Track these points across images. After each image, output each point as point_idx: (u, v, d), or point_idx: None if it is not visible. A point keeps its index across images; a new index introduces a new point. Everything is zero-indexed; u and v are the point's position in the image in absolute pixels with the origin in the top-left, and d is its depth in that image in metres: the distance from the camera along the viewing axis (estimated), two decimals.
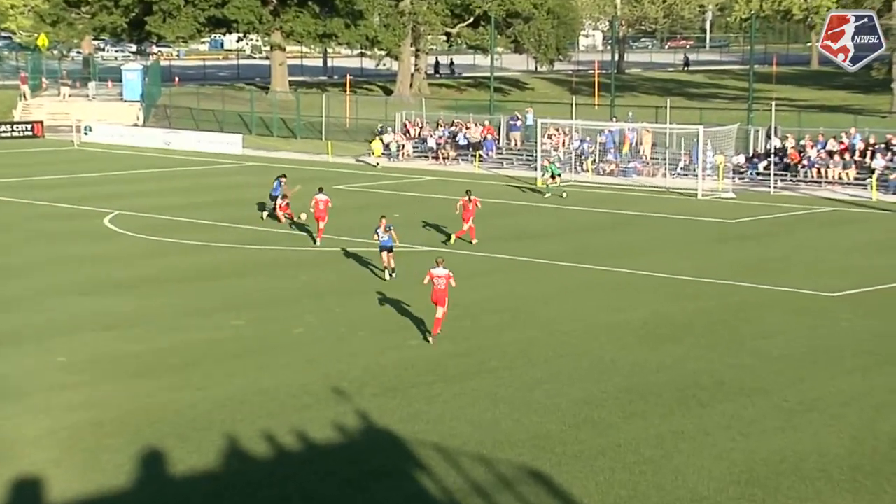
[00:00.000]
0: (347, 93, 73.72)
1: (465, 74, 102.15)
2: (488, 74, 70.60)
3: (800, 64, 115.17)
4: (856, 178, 46.25)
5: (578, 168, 51.02)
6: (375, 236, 29.61)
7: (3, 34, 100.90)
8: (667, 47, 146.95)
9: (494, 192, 44.45)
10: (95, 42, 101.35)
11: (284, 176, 38.89)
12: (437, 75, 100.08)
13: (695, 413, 19.26)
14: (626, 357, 22.51)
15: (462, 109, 63.46)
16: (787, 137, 49.31)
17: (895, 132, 48.55)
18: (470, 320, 24.64)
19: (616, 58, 79.80)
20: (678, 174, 49.37)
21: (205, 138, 64.06)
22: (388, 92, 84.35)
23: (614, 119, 55.39)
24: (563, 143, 52.34)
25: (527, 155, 54.21)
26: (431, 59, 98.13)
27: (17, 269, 31.21)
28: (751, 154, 49.85)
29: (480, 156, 54.75)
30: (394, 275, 29.49)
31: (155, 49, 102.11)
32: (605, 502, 15.84)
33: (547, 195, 45.04)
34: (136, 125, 70.45)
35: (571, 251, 33.35)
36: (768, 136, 49.54)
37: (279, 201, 37.97)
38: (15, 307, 26.86)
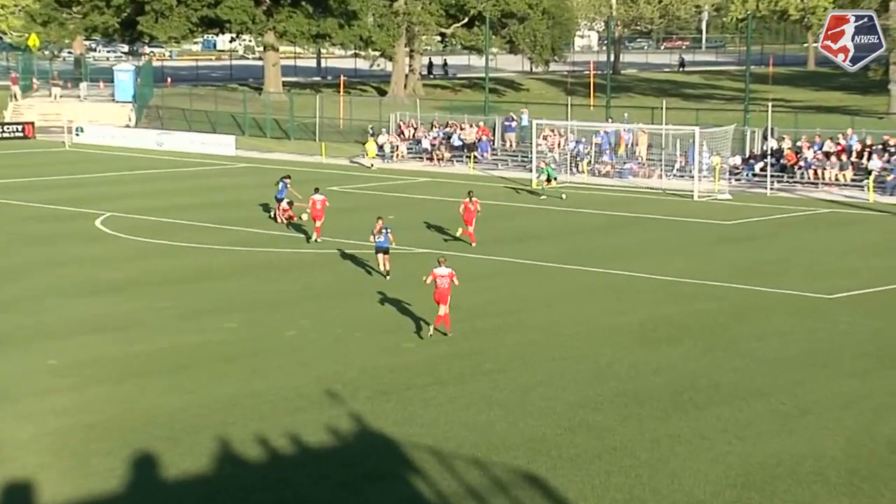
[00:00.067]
0: (341, 94, 73.69)
1: (459, 75, 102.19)
2: (483, 75, 70.62)
3: (796, 64, 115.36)
4: (853, 180, 46.29)
5: (574, 169, 51.03)
6: (372, 238, 29.64)
7: None
8: (663, 48, 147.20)
9: (490, 193, 44.41)
10: (87, 42, 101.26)
11: (289, 177, 38.83)
12: (431, 76, 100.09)
13: (691, 416, 19.25)
14: (623, 360, 22.49)
15: (457, 110, 63.48)
16: (783, 138, 49.36)
17: (892, 133, 48.62)
18: (465, 323, 24.61)
19: (612, 58, 79.82)
20: (674, 175, 49.40)
21: (197, 139, 64.02)
22: (383, 93, 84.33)
23: (610, 120, 55.41)
24: (559, 144, 52.35)
25: (522, 156, 54.23)
26: (425, 60, 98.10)
27: (6, 271, 31.13)
28: (747, 155, 49.88)
29: (475, 157, 54.74)
30: (388, 276, 29.49)
31: (147, 49, 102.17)
32: None
33: (542, 197, 45.05)
34: (128, 126, 70.40)
35: (567, 253, 33.35)
36: (765, 138, 49.58)
37: (284, 204, 37.89)
38: (4, 309, 26.78)
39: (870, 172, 45.59)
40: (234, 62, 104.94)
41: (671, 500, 15.96)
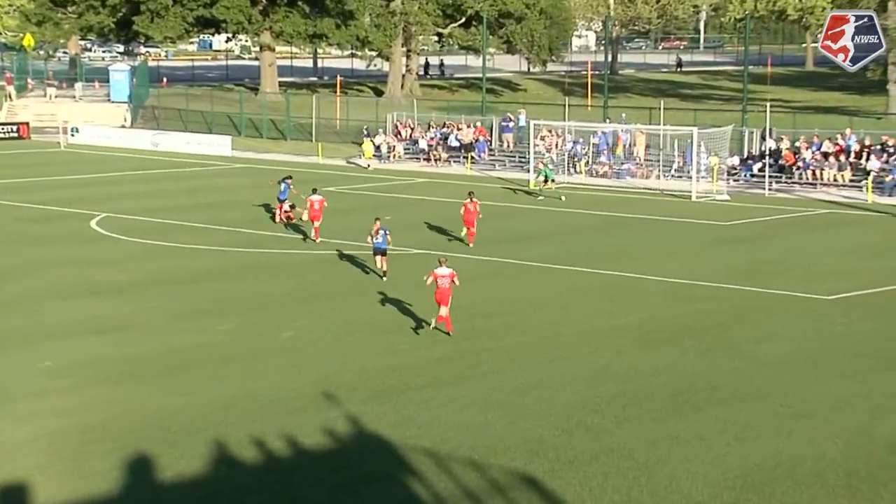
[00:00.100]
0: (338, 94, 73.70)
1: (456, 75, 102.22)
2: (480, 75, 70.63)
3: (795, 65, 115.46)
4: (851, 180, 46.34)
5: (572, 170, 51.04)
6: (369, 239, 29.67)
7: None
8: (661, 48, 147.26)
9: (487, 194, 44.40)
10: (82, 42, 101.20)
11: (290, 177, 38.87)
12: (427, 76, 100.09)
13: (689, 418, 19.27)
14: (620, 361, 22.52)
15: (454, 111, 63.50)
16: (781, 139, 49.40)
17: (891, 133, 48.66)
18: (463, 324, 24.62)
19: (609, 58, 79.85)
20: (672, 176, 49.44)
21: (193, 140, 63.99)
22: (379, 93, 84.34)
23: (607, 120, 55.44)
24: (556, 144, 52.37)
25: (519, 157, 54.26)
26: (421, 60, 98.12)
27: (1, 272, 31.11)
28: (745, 156, 49.92)
29: (472, 157, 54.76)
30: (385, 278, 29.52)
31: (143, 49, 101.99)
32: None
33: (540, 197, 45.09)
34: (123, 126, 70.36)
35: (565, 254, 33.37)
36: (763, 138, 49.62)
37: (286, 206, 37.88)
38: (0, 310, 26.76)
39: (868, 173, 45.64)
40: (231, 62, 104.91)
41: (669, 502, 15.98)
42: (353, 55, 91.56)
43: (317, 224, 34.73)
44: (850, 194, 45.33)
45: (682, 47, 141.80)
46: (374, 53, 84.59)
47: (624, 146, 52.19)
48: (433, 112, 62.79)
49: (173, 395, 20.55)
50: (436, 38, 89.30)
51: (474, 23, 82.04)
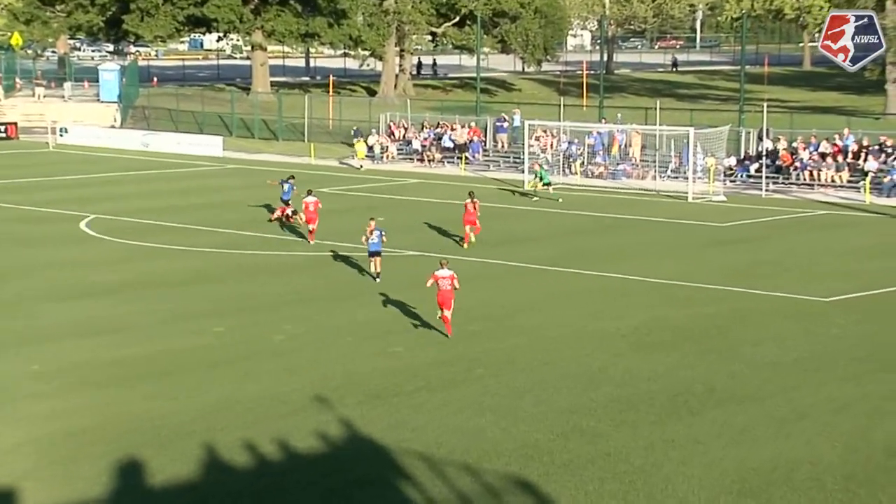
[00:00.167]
0: (330, 94, 73.67)
1: (450, 75, 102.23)
2: (474, 75, 70.68)
3: (792, 64, 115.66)
4: (849, 181, 46.42)
5: (567, 171, 51.08)
6: (364, 239, 29.70)
7: None
8: (656, 47, 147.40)
9: (482, 195, 44.23)
10: (71, 41, 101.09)
11: (293, 177, 38.91)
12: (420, 75, 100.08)
13: (685, 421, 19.30)
14: (616, 364, 22.54)
15: (447, 111, 63.51)
16: (778, 139, 49.48)
17: (889, 134, 48.75)
18: (456, 326, 24.63)
19: (605, 58, 80.00)
20: (668, 177, 49.49)
21: (184, 140, 63.94)
22: (372, 93, 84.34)
23: (603, 120, 55.49)
24: (551, 145, 52.40)
25: (514, 157, 54.26)
26: (414, 60, 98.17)
27: None
28: (742, 156, 49.99)
29: (466, 158, 54.77)
30: (378, 279, 29.53)
31: (132, 48, 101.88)
32: None
33: (535, 199, 45.12)
34: (113, 127, 70.28)
35: (560, 256, 33.40)
36: (760, 138, 49.70)
37: (289, 210, 37.85)
38: None
39: (866, 174, 45.72)
40: (222, 62, 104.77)
41: None
42: (345, 55, 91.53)
43: (312, 227, 34.76)
44: (847, 195, 45.40)
45: (678, 47, 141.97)
46: (366, 53, 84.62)
47: (620, 147, 52.24)
48: (427, 112, 62.80)
49: (164, 398, 20.53)
50: (429, 37, 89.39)
51: (468, 22, 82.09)
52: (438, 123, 58.72)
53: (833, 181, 46.69)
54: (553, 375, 21.78)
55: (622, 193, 47.25)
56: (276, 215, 38.47)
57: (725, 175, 47.97)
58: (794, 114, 59.70)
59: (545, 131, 53.17)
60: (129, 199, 45.02)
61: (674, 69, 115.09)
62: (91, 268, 32.00)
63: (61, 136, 66.73)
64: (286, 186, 37.98)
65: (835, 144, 48.16)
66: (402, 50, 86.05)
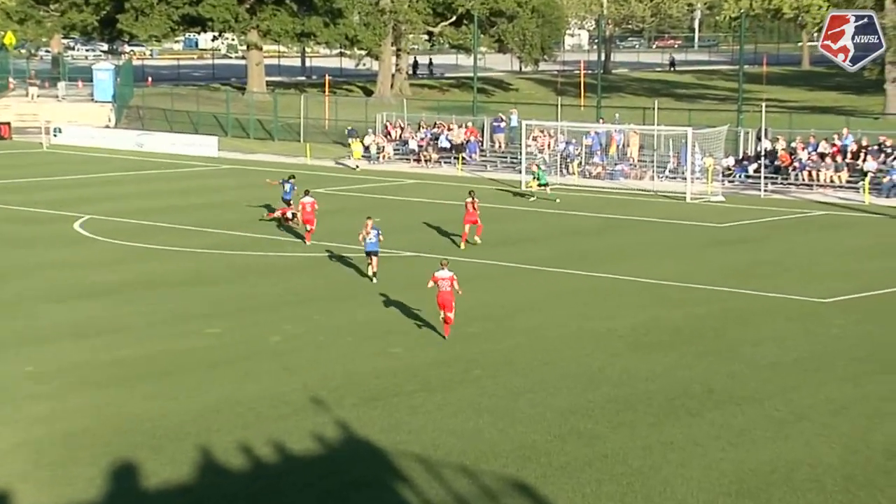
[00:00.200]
0: (326, 93, 73.68)
1: (447, 75, 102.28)
2: (471, 75, 70.69)
3: (790, 64, 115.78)
4: (848, 181, 46.46)
5: (564, 171, 51.11)
6: (361, 239, 29.75)
7: None
8: (654, 47, 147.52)
9: (478, 195, 44.41)
10: (65, 41, 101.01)
11: (293, 177, 38.97)
12: (416, 75, 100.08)
13: (684, 422, 19.31)
14: (614, 365, 22.56)
15: (444, 111, 63.53)
16: (777, 139, 49.52)
17: (888, 133, 48.80)
18: (454, 328, 24.63)
19: (602, 58, 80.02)
20: (666, 177, 49.53)
21: (179, 140, 63.92)
22: (369, 93, 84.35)
23: (601, 120, 55.52)
24: (549, 145, 52.43)
25: (511, 157, 54.28)
26: (410, 59, 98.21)
27: None
28: (740, 156, 50.04)
29: (463, 158, 54.78)
30: (374, 279, 29.55)
31: (127, 48, 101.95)
32: None
33: (532, 199, 45.15)
34: (107, 127, 70.25)
35: (557, 256, 33.42)
36: (758, 138, 49.74)
37: (289, 212, 37.88)
38: None
39: (865, 174, 45.76)
40: (217, 61, 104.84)
41: None
42: (341, 54, 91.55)
43: (310, 227, 34.83)
44: (846, 196, 45.45)
45: (676, 46, 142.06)
46: (363, 52, 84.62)
47: (617, 147, 52.26)
48: (423, 112, 62.82)
49: (159, 399, 20.53)
50: (426, 36, 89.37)
51: (465, 21, 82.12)
52: (435, 123, 58.73)
53: (832, 181, 46.74)
54: (551, 376, 21.80)
55: (620, 194, 47.28)
56: (275, 214, 38.46)
57: (724, 175, 48.00)
58: (793, 114, 59.75)
59: (542, 131, 53.19)
60: (123, 200, 45.00)
61: (671, 69, 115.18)
62: (86, 269, 31.98)
63: (55, 136, 66.68)
64: (287, 186, 37.98)
65: (834, 144, 48.20)
66: (398, 49, 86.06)
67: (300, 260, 33.39)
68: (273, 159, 59.20)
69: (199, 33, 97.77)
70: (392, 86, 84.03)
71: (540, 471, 17.21)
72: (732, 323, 25.94)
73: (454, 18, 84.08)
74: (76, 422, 19.45)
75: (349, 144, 57.57)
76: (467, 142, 56.11)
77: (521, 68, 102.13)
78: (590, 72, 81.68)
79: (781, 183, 47.50)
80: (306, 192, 35.64)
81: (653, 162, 50.10)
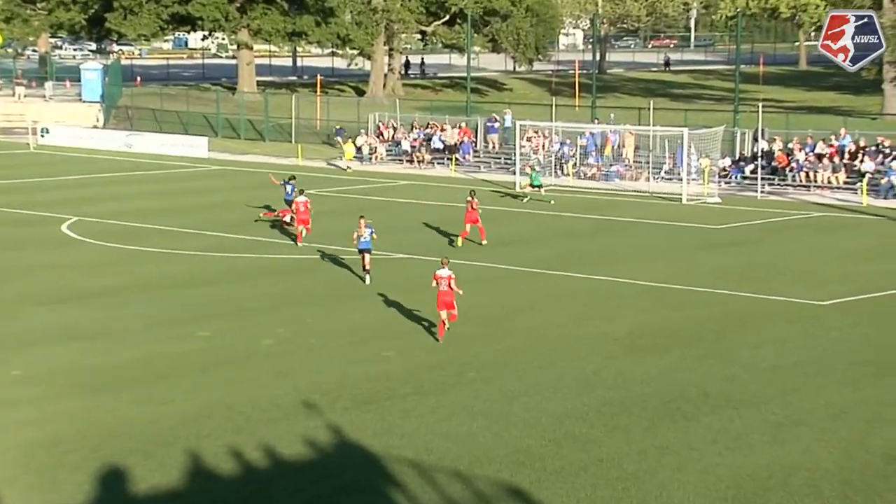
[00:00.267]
0: (318, 93, 73.66)
1: (440, 74, 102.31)
2: (464, 74, 70.68)
3: (787, 64, 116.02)
4: (845, 182, 46.53)
5: (559, 172, 51.13)
6: (354, 239, 29.80)
7: None
8: (650, 46, 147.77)
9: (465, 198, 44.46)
10: (52, 40, 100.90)
11: (294, 178, 39.01)
12: (408, 75, 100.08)
13: (680, 426, 19.32)
14: (609, 368, 22.57)
15: (437, 111, 63.53)
16: (774, 140, 49.57)
17: (886, 134, 48.89)
18: (448, 330, 24.61)
19: (597, 57, 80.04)
20: (662, 178, 49.57)
21: (168, 141, 63.86)
22: (361, 93, 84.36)
23: (596, 121, 55.54)
24: (543, 145, 52.44)
25: (505, 158, 54.30)
26: (402, 59, 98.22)
27: None
28: (737, 157, 50.09)
29: (457, 159, 54.79)
30: (368, 277, 29.61)
31: (115, 47, 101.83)
32: None
33: (525, 199, 45.16)
34: (95, 127, 70.16)
35: (552, 258, 33.43)
36: (755, 139, 49.79)
37: (288, 217, 37.85)
38: None
39: (863, 175, 45.84)
40: (207, 61, 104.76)
41: None
42: (333, 54, 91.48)
43: (302, 228, 34.86)
44: (844, 197, 45.52)
45: (671, 46, 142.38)
46: (355, 52, 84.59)
47: (612, 147, 52.29)
48: (416, 112, 62.83)
49: (148, 404, 20.49)
50: (419, 36, 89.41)
51: (458, 20, 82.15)
52: (428, 124, 58.72)
53: (829, 182, 46.81)
54: (545, 379, 21.80)
55: (615, 195, 47.32)
56: (273, 214, 38.41)
57: (720, 176, 48.05)
58: (790, 114, 59.87)
59: (537, 132, 53.19)
60: (112, 202, 44.94)
61: (666, 68, 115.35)
62: (74, 271, 31.93)
63: (42, 136, 66.58)
64: (289, 188, 37.98)
65: (831, 145, 48.26)
66: (391, 49, 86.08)
67: (292, 262, 33.36)
68: (264, 160, 59.16)
69: (188, 32, 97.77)
70: (384, 86, 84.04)
71: (534, 476, 17.21)
72: (730, 326, 25.96)
73: (447, 17, 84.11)
74: (64, 426, 19.40)
75: (336, 144, 57.49)
76: (461, 142, 56.12)
77: (515, 68, 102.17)
78: (585, 72, 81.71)
79: (778, 184, 47.56)
80: (301, 192, 35.77)
81: (648, 163, 50.16)
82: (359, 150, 56.84)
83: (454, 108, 64.84)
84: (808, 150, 48.30)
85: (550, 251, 34.74)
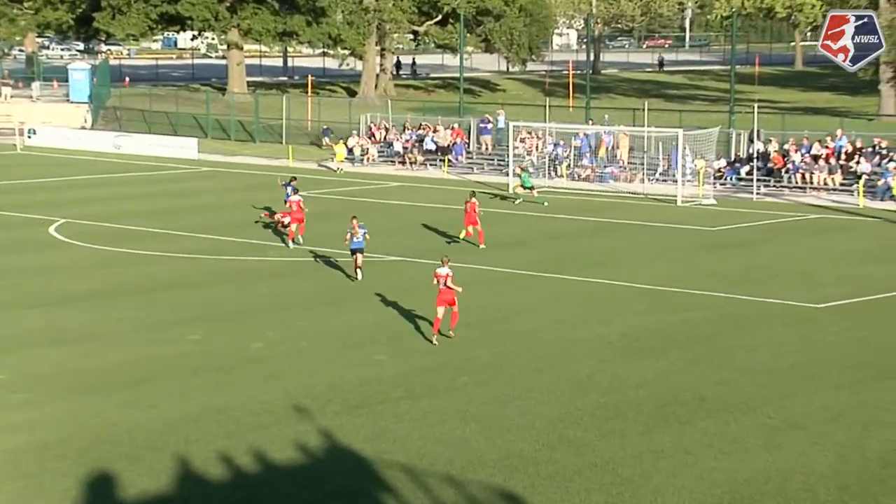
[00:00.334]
0: (309, 94, 73.61)
1: (432, 75, 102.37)
2: (457, 75, 70.74)
3: (783, 64, 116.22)
4: (842, 184, 46.61)
5: (552, 173, 51.17)
6: (347, 239, 29.85)
7: None
8: (645, 46, 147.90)
9: (464, 198, 44.42)
10: (39, 39, 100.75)
11: (294, 178, 38.99)
12: (399, 75, 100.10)
13: (675, 431, 19.34)
14: (604, 372, 22.58)
15: (430, 112, 63.54)
16: (770, 141, 49.65)
17: (883, 135, 48.99)
18: (440, 334, 24.63)
19: (591, 58, 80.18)
20: (657, 180, 49.61)
21: (157, 142, 63.81)
22: (352, 93, 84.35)
23: (590, 122, 55.59)
24: (537, 147, 52.48)
25: (498, 160, 54.31)
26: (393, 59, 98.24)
27: None
28: (732, 158, 50.15)
29: (449, 160, 54.81)
30: (359, 273, 29.74)
31: (104, 47, 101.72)
32: None
33: (518, 201, 45.18)
34: (83, 128, 70.09)
35: (545, 260, 33.45)
36: (751, 140, 49.87)
37: (286, 219, 37.83)
38: None
39: (859, 176, 45.92)
40: (196, 61, 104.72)
41: None
42: (324, 54, 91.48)
43: (294, 227, 34.91)
44: (840, 198, 45.60)
45: (666, 46, 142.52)
46: (346, 52, 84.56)
47: (607, 149, 52.33)
48: (408, 113, 62.84)
49: (137, 408, 20.46)
50: (411, 36, 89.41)
51: (451, 20, 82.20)
52: (420, 125, 58.72)
53: (825, 184, 46.88)
54: (539, 383, 21.81)
55: (609, 197, 47.36)
56: (275, 217, 38.33)
57: (715, 178, 48.12)
58: (786, 115, 59.95)
59: (530, 133, 53.25)
60: (100, 203, 44.89)
61: (660, 68, 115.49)
62: (62, 274, 31.88)
63: (29, 137, 66.49)
64: (289, 189, 37.96)
65: (827, 146, 48.33)
66: (382, 49, 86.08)
67: (283, 264, 33.34)
68: (254, 161, 59.14)
69: (178, 32, 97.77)
70: (376, 86, 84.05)
71: (528, 480, 17.21)
72: (724, 328, 25.99)
73: (440, 17, 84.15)
74: (51, 431, 19.37)
75: (323, 145, 57.39)
76: (453, 144, 56.12)
77: (508, 68, 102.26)
78: (578, 72, 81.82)
79: (774, 186, 47.63)
80: (295, 191, 35.89)
81: (643, 164, 50.20)
82: (350, 151, 56.84)
83: (447, 109, 64.87)
84: (804, 151, 48.38)
85: (545, 253, 34.76)
